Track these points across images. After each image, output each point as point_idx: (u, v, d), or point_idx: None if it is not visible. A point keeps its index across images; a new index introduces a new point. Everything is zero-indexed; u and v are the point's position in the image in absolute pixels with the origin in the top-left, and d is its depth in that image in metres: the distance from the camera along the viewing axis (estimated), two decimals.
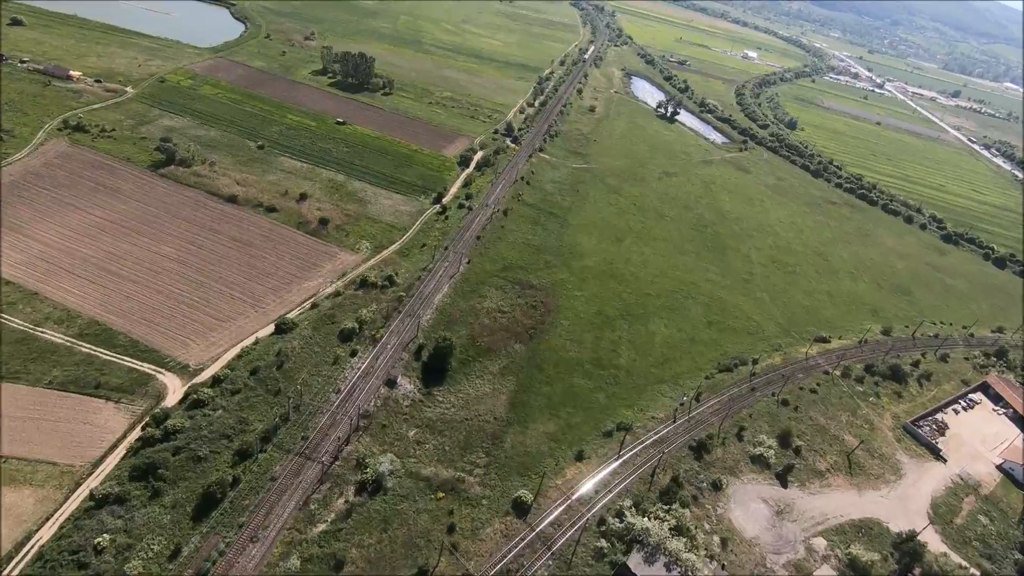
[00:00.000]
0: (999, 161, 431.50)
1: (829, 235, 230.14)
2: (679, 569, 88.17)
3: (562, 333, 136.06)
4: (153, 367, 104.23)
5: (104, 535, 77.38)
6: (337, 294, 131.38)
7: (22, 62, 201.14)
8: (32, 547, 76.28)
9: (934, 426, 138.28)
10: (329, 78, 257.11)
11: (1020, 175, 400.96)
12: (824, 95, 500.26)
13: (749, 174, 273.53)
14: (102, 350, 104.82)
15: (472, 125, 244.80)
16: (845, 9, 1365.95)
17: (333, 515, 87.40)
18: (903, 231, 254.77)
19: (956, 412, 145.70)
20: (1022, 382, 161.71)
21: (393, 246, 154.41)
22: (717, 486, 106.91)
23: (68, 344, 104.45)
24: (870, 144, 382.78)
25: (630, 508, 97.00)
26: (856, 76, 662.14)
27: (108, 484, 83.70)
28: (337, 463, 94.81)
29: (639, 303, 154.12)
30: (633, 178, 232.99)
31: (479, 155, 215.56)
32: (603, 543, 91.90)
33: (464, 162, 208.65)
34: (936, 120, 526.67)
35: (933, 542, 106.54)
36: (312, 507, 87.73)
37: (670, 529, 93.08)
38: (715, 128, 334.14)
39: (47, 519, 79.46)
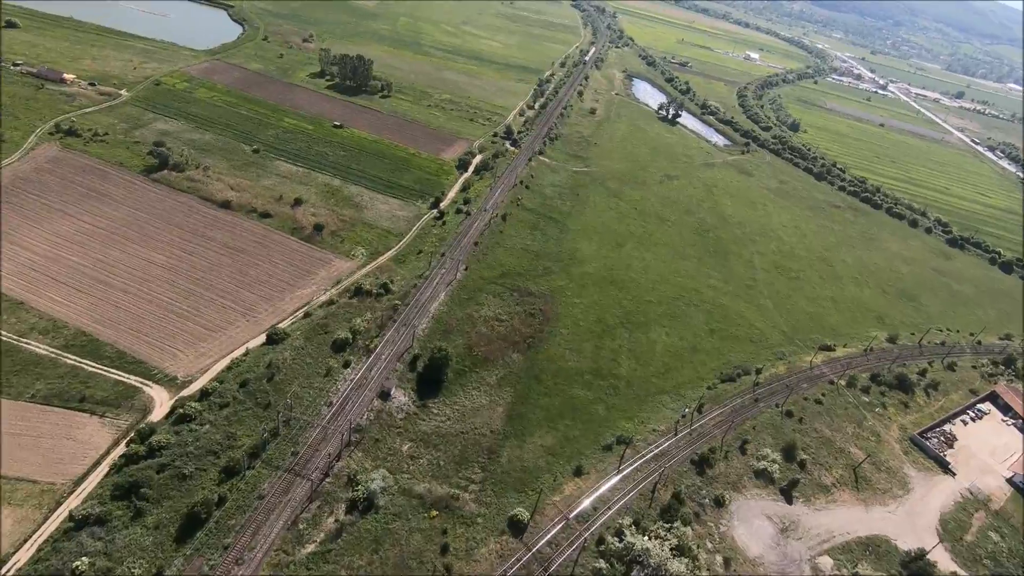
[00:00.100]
0: (1004, 163, 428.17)
1: (833, 239, 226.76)
2: None
3: (561, 342, 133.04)
4: (140, 379, 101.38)
5: (83, 558, 74.46)
6: (331, 302, 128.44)
7: (15, 65, 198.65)
8: (8, 571, 73.39)
9: (942, 438, 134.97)
10: (327, 80, 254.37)
11: None
12: (827, 96, 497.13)
13: (751, 177, 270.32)
14: (88, 362, 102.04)
15: (471, 128, 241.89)
16: (847, 10, 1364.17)
17: (322, 535, 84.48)
18: (908, 235, 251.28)
19: (964, 423, 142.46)
20: None
21: (389, 252, 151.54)
22: (720, 502, 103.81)
23: (53, 356, 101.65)
24: (874, 146, 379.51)
25: (630, 526, 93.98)
26: (859, 77, 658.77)
27: (89, 504, 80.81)
28: (328, 480, 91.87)
29: (640, 310, 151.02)
30: (634, 181, 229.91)
31: (478, 159, 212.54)
32: (602, 564, 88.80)
33: (462, 166, 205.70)
34: (940, 122, 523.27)
35: (943, 560, 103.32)
36: (301, 527, 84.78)
37: (671, 549, 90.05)
38: (717, 130, 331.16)
39: (25, 540, 76.64)
